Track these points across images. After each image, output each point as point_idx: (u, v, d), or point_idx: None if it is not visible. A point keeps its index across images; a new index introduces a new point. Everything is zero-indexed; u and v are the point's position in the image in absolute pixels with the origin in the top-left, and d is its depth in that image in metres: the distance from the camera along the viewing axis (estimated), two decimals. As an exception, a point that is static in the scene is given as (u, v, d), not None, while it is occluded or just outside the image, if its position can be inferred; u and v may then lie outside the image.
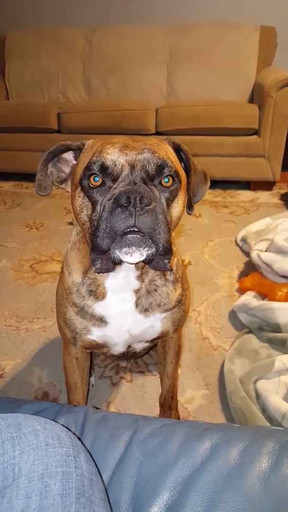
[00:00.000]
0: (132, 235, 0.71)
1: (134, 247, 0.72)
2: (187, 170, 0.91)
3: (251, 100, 3.55)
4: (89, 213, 0.79)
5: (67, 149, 0.89)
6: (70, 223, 2.80)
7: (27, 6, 4.25)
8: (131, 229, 0.71)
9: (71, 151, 0.90)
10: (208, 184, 1.00)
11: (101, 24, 3.94)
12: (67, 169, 0.92)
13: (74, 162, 0.90)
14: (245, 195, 3.35)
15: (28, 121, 3.46)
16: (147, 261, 0.76)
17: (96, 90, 3.89)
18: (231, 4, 3.82)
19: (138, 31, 3.78)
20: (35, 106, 3.59)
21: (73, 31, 3.92)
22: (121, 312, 0.96)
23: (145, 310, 0.98)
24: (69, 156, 0.91)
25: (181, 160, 0.92)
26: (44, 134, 3.49)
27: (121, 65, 3.78)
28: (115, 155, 0.76)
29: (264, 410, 1.28)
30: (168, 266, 0.78)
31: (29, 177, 3.68)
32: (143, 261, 0.75)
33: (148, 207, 0.71)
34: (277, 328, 1.59)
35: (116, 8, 4.05)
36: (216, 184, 3.44)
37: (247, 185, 3.50)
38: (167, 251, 0.75)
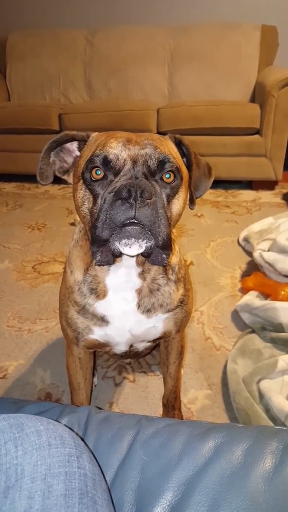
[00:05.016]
0: (131, 226, 0.72)
1: (133, 239, 0.72)
2: (189, 165, 0.92)
3: (253, 99, 3.54)
4: (90, 206, 0.80)
5: (71, 139, 0.90)
6: (72, 224, 2.80)
7: (28, 8, 4.26)
8: (131, 221, 0.71)
9: (75, 142, 0.91)
10: (212, 178, 0.99)
11: (102, 25, 3.95)
12: (70, 159, 0.93)
13: (78, 153, 0.91)
14: (247, 194, 3.35)
15: (29, 122, 3.47)
16: (146, 254, 0.76)
17: (97, 91, 3.90)
18: (232, 4, 3.82)
19: (138, 32, 3.78)
20: (36, 107, 3.60)
21: (74, 32, 3.93)
22: (122, 312, 0.96)
23: (147, 311, 0.98)
24: (72, 146, 0.92)
25: (183, 155, 0.92)
26: (45, 135, 3.49)
27: (122, 66, 3.79)
28: (118, 149, 0.77)
29: (267, 410, 1.28)
30: (166, 262, 0.78)
31: (31, 178, 3.68)
32: (142, 254, 0.76)
33: (149, 200, 0.72)
34: (280, 327, 1.58)
35: (117, 10, 4.06)
36: (218, 184, 3.44)
37: (249, 184, 3.49)
38: (166, 246, 0.76)
